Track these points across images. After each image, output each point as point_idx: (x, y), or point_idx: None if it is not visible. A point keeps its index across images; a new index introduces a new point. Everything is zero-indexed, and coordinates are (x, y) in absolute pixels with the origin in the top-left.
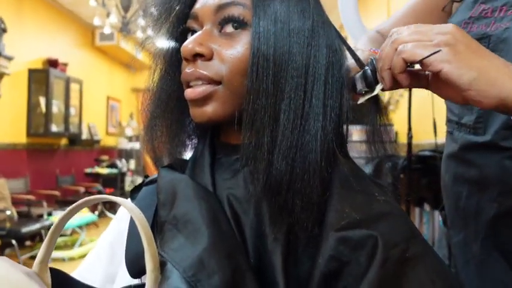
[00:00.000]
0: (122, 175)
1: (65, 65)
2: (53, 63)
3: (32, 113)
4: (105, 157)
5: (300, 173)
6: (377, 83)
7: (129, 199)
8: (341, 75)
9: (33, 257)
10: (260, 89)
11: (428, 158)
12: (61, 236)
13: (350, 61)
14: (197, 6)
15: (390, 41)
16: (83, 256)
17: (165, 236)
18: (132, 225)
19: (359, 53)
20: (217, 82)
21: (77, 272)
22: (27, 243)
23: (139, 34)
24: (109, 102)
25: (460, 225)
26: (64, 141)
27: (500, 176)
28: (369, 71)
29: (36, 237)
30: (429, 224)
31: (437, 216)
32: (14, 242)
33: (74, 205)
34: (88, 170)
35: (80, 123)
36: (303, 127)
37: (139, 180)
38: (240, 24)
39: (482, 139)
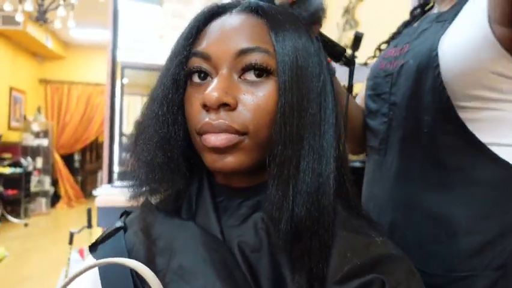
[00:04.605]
0: (28, 175)
1: None
2: None
3: None
4: (7, 155)
5: (317, 216)
6: None
7: (90, 256)
8: (340, 115)
9: None
10: (287, 140)
11: (359, 169)
12: None
13: None
14: (210, 46)
15: None
16: None
17: (169, 287)
18: None
19: None
20: (242, 133)
21: None
22: None
23: (57, 24)
24: (12, 94)
25: None
26: None
27: None
28: None
29: None
30: None
31: None
32: None
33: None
34: None
35: None
36: (318, 171)
37: (46, 180)
38: (264, 72)
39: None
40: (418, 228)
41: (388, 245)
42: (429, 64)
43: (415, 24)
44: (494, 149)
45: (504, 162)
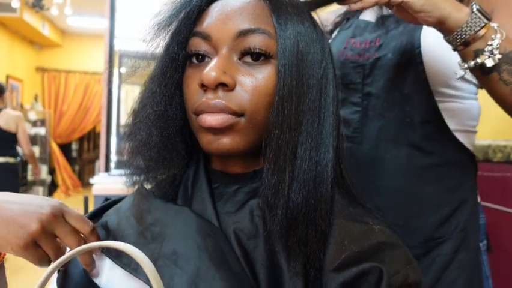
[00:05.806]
0: (25, 163)
1: None
2: None
3: None
4: None
5: (313, 204)
6: None
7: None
8: (339, 106)
9: None
10: (285, 124)
11: None
12: None
13: None
14: (211, 26)
15: None
16: None
17: (161, 272)
18: None
19: None
20: (239, 114)
21: None
22: None
23: (54, 11)
24: (9, 82)
25: None
26: None
27: None
28: None
29: None
30: None
31: None
32: None
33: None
34: None
35: None
36: (316, 159)
37: (43, 169)
38: (264, 55)
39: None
40: (399, 208)
41: (386, 233)
42: (412, 60)
43: (367, 18)
44: (457, 135)
45: (462, 145)
